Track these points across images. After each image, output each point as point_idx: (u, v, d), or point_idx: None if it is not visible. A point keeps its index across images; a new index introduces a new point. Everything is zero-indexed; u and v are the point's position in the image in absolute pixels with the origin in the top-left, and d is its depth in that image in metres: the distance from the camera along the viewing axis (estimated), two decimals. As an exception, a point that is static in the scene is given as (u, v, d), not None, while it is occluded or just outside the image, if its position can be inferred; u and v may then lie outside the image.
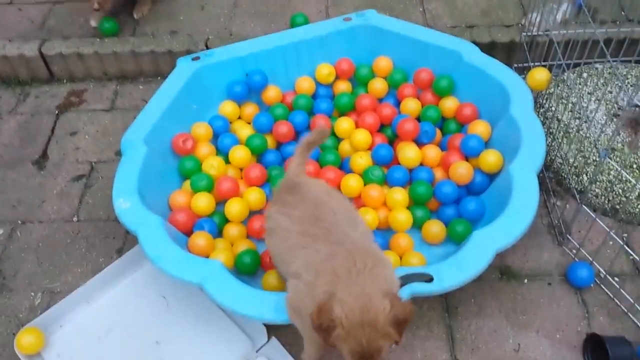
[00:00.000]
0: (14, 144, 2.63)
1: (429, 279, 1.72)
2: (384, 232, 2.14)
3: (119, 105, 2.76)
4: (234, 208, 2.14)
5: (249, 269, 2.00)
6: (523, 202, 1.88)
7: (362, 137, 2.32)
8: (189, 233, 2.10)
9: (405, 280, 1.72)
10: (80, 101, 2.79)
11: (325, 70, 2.54)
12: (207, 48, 2.78)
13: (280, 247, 1.70)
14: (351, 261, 1.47)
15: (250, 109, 2.51)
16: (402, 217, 2.09)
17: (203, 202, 2.14)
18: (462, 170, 2.14)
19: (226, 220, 2.19)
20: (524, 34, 2.58)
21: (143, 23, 2.96)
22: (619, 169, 1.96)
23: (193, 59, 2.46)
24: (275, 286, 1.94)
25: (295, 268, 1.60)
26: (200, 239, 2.00)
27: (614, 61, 2.48)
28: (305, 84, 2.54)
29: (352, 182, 2.18)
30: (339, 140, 2.42)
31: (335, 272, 1.47)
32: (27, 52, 2.80)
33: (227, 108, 2.48)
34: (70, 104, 2.78)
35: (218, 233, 2.16)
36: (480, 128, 2.25)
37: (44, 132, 2.67)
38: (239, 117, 2.53)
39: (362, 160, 2.26)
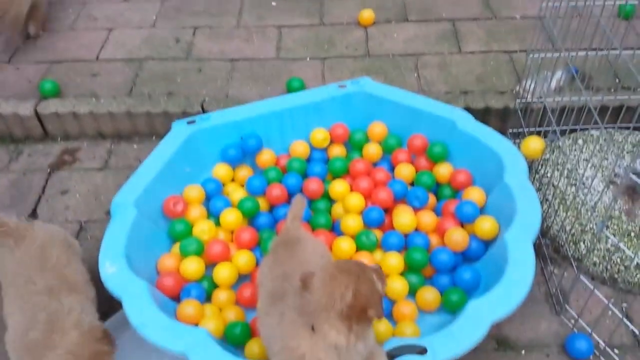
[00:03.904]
0: (3, 202, 2.60)
1: (422, 351, 1.66)
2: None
3: (112, 165, 2.75)
4: (223, 273, 2.08)
5: (239, 339, 1.93)
6: (519, 272, 1.83)
7: (356, 200, 2.29)
8: (176, 297, 2.05)
9: (397, 352, 1.65)
10: (73, 160, 2.78)
11: (320, 135, 2.54)
12: (203, 110, 2.79)
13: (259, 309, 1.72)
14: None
15: (244, 172, 2.50)
16: (399, 286, 2.04)
17: (192, 267, 2.09)
18: (457, 237, 2.10)
19: (215, 285, 2.14)
20: (518, 100, 2.60)
21: (140, 84, 2.99)
22: (617, 242, 1.92)
23: (188, 123, 2.46)
24: (258, 354, 1.87)
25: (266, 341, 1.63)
26: (189, 307, 1.95)
27: (610, 128, 2.51)
28: (300, 148, 2.53)
29: (345, 245, 2.14)
30: (331, 202, 2.40)
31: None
32: (22, 111, 2.81)
33: (221, 171, 2.46)
34: (63, 162, 2.77)
35: (207, 298, 2.10)
36: (475, 194, 2.23)
37: (34, 190, 2.64)
38: (232, 180, 2.51)
39: (353, 222, 2.22)
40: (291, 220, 1.91)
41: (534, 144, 2.22)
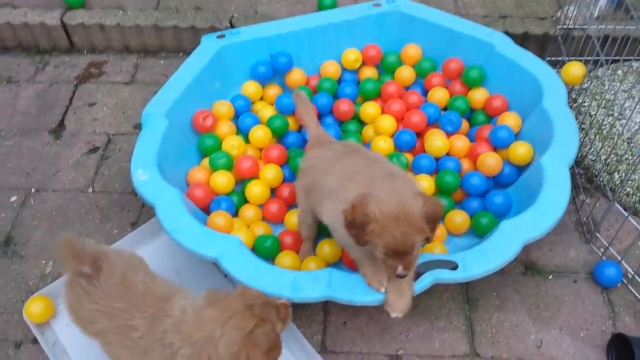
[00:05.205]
0: (31, 112, 2.59)
1: (453, 267, 1.66)
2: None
3: (139, 79, 2.71)
4: (255, 190, 2.08)
5: (270, 252, 1.94)
6: (554, 194, 1.81)
7: (387, 123, 2.26)
8: (205, 209, 2.05)
9: (429, 266, 1.66)
10: (99, 73, 2.75)
11: (352, 56, 2.47)
12: (232, 26, 2.73)
13: (316, 175, 1.75)
14: (384, 170, 1.57)
15: (273, 91, 2.45)
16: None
17: (222, 180, 2.09)
18: (490, 161, 2.07)
19: (243, 201, 2.14)
20: (559, 27, 2.51)
21: (168, -2, 2.92)
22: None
23: (218, 37, 2.40)
24: (289, 266, 1.89)
25: (327, 185, 1.65)
26: (220, 218, 1.95)
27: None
28: (331, 68, 2.48)
29: (375, 168, 2.12)
30: (362, 125, 2.37)
31: (369, 175, 1.54)
32: (49, 20, 2.76)
33: (250, 88, 2.42)
34: (89, 75, 2.74)
35: (234, 214, 2.11)
36: (510, 120, 2.18)
37: (62, 102, 2.62)
38: (261, 98, 2.47)
39: (384, 144, 2.20)
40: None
41: (575, 69, 2.15)
